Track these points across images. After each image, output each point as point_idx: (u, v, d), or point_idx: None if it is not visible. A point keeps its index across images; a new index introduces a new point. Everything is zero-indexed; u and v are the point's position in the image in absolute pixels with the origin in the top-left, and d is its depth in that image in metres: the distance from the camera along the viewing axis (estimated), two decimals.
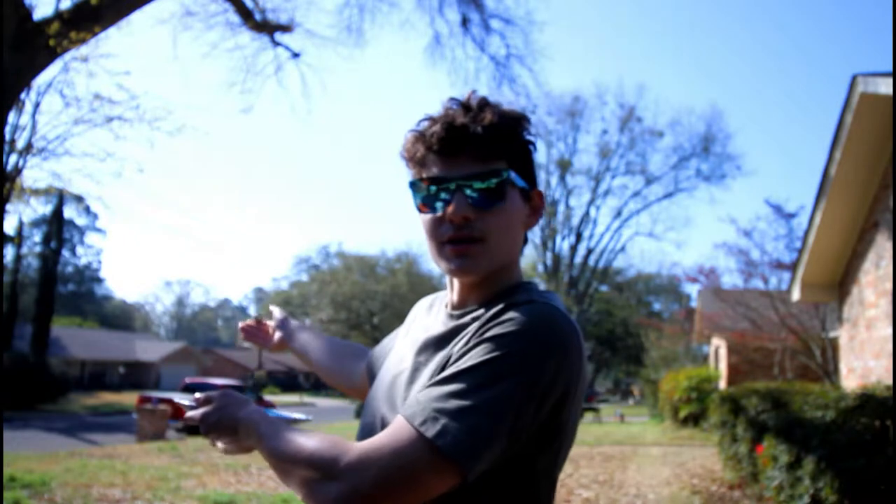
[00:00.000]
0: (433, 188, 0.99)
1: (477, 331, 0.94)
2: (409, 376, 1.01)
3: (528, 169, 1.03)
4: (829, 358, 10.58)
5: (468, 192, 0.97)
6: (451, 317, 1.05)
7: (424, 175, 1.00)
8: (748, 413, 6.59)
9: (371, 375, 1.28)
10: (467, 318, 1.01)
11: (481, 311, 1.00)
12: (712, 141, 38.18)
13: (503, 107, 1.02)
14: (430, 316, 1.15)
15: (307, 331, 1.54)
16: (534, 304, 0.93)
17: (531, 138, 1.04)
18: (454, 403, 0.84)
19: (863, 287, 6.99)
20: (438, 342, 1.02)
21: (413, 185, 1.02)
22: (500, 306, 0.96)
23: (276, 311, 1.59)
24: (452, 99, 1.02)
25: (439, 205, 0.99)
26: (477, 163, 0.97)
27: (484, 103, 1.01)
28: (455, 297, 1.06)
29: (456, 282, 1.05)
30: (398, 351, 1.14)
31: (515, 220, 1.01)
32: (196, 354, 48.53)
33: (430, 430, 0.82)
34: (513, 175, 0.99)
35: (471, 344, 0.91)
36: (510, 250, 1.02)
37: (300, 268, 56.06)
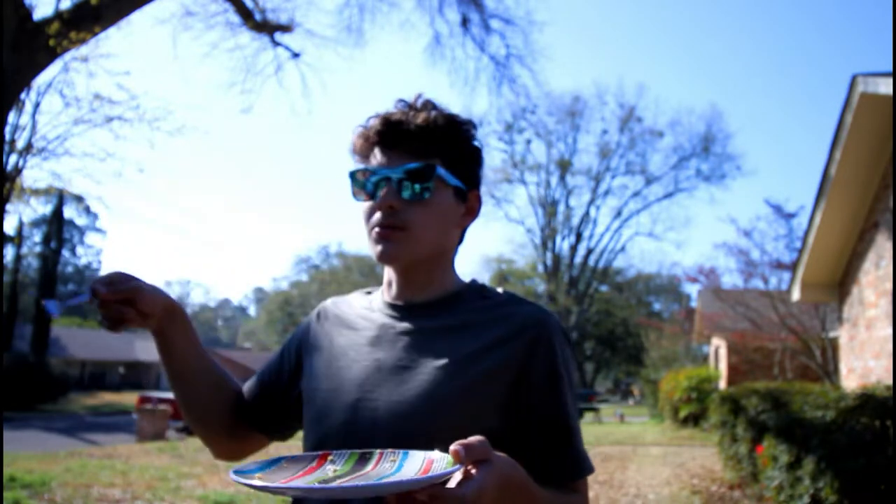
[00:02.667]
0: (367, 178, 1.06)
1: (534, 342, 1.03)
2: (418, 366, 1.04)
3: (466, 170, 1.09)
4: (829, 358, 10.58)
5: (396, 182, 1.03)
6: (440, 308, 1.09)
7: (358, 166, 1.08)
8: (748, 413, 6.59)
9: (270, 391, 1.21)
10: (476, 314, 1.07)
11: (481, 304, 1.09)
12: (712, 141, 38.19)
13: (448, 111, 1.08)
14: (371, 312, 1.14)
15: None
16: (548, 314, 1.07)
17: (475, 143, 1.10)
18: (579, 438, 1.04)
19: (863, 287, 6.99)
20: (444, 333, 1.06)
21: (352, 175, 1.08)
22: (518, 307, 1.07)
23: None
24: (400, 100, 1.10)
25: (371, 193, 1.06)
26: (411, 157, 1.04)
27: (427, 104, 1.08)
28: (395, 285, 1.12)
29: (392, 271, 1.12)
30: (357, 349, 1.09)
31: (444, 215, 1.07)
32: None
33: (589, 468, 1.04)
34: (442, 172, 1.04)
35: (542, 363, 1.02)
36: (437, 243, 1.08)
37: (300, 268, 56.15)
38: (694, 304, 23.52)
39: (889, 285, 6.19)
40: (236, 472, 0.79)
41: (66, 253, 50.25)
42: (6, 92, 6.51)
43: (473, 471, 0.76)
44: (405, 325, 1.08)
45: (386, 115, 1.06)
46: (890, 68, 5.66)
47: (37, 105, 10.13)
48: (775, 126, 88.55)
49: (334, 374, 1.09)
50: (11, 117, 9.62)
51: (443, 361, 1.02)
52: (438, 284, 1.11)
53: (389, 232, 1.04)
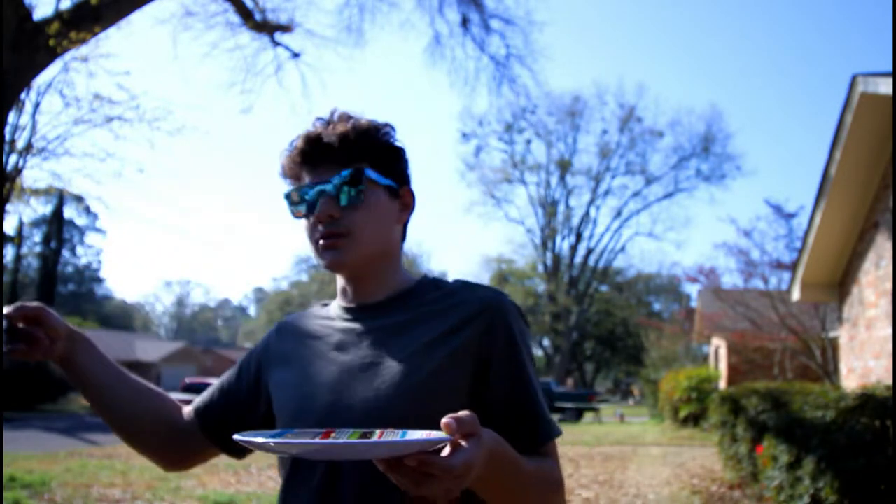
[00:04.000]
0: (301, 195, 1.10)
1: (490, 321, 1.07)
2: (384, 361, 1.07)
3: (393, 169, 1.13)
4: (829, 358, 10.58)
5: (329, 192, 1.07)
6: (396, 305, 1.13)
7: (290, 186, 1.13)
8: (748, 413, 6.59)
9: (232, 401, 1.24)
10: (432, 305, 1.12)
11: (436, 294, 1.13)
12: (712, 141, 38.20)
13: (363, 119, 1.13)
14: (330, 321, 1.18)
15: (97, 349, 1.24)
16: (501, 294, 1.12)
17: (394, 142, 1.15)
18: (543, 405, 1.08)
19: (863, 287, 6.99)
20: (403, 327, 1.10)
21: (287, 196, 1.12)
22: (471, 292, 1.11)
23: (38, 307, 1.13)
24: (318, 118, 1.14)
25: (309, 209, 1.09)
26: (339, 168, 1.08)
27: (342, 116, 1.13)
28: (349, 290, 1.16)
29: (342, 278, 1.16)
30: (322, 357, 1.13)
31: (382, 214, 1.11)
32: (196, 354, 48.53)
33: (556, 430, 1.09)
34: (371, 173, 1.09)
35: (501, 342, 1.07)
36: (381, 241, 1.12)
37: (300, 268, 56.18)
38: (694, 304, 23.53)
39: (889, 285, 6.19)
40: (240, 435, 0.83)
41: (66, 253, 50.27)
42: (6, 92, 6.51)
43: (463, 443, 0.78)
44: (364, 326, 1.12)
45: (307, 134, 1.10)
46: (890, 68, 5.66)
47: (37, 105, 10.13)
48: (775, 126, 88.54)
49: (303, 383, 1.11)
50: (11, 117, 9.62)
51: (408, 352, 1.06)
52: (389, 283, 1.15)
53: (334, 241, 1.08)
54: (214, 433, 1.23)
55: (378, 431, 0.87)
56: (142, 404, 1.22)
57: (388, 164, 1.13)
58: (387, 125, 1.15)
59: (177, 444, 1.25)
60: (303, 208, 1.10)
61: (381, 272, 1.14)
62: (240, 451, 1.22)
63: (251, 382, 1.23)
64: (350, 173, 1.07)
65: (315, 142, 1.09)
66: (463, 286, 1.14)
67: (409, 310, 1.12)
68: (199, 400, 1.28)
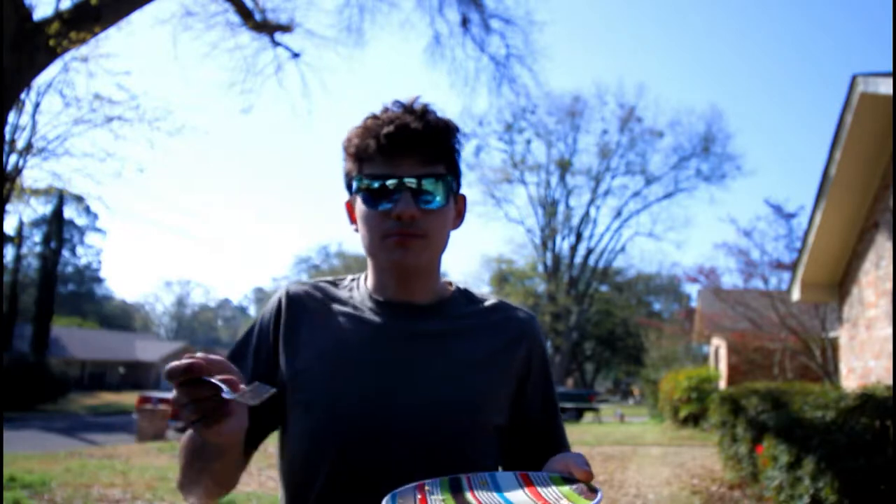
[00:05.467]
0: (381, 184, 1.05)
1: (530, 344, 1.15)
2: (433, 368, 1.07)
3: (458, 174, 1.12)
4: (829, 358, 10.58)
5: (417, 193, 1.04)
6: (435, 312, 1.12)
7: (367, 170, 1.06)
8: (748, 413, 6.59)
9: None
10: (471, 319, 1.14)
11: (474, 308, 1.16)
12: (712, 141, 38.15)
13: (444, 116, 1.09)
14: (363, 311, 1.11)
15: None
16: (534, 318, 1.18)
17: (460, 146, 1.12)
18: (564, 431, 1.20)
19: (863, 287, 6.99)
20: (447, 337, 1.10)
21: (360, 178, 1.06)
22: (510, 312, 1.17)
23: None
24: (397, 101, 1.09)
25: (386, 202, 1.05)
26: (422, 165, 1.05)
27: (428, 109, 1.08)
28: (392, 288, 1.12)
29: (391, 274, 1.11)
30: (359, 346, 1.06)
31: (448, 220, 1.11)
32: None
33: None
34: (452, 181, 1.09)
35: (537, 359, 1.16)
36: (442, 248, 1.11)
37: (300, 268, 56.12)
38: (694, 304, 23.53)
39: (889, 285, 6.19)
40: None
41: (66, 253, 50.27)
42: (6, 92, 6.51)
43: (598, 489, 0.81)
44: (406, 328, 1.09)
45: (401, 121, 1.05)
46: (890, 68, 5.66)
47: (37, 105, 10.13)
48: (775, 126, 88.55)
49: (336, 377, 1.04)
50: (11, 117, 9.61)
51: (458, 364, 1.07)
52: (433, 287, 1.14)
53: (409, 240, 1.05)
54: (254, 435, 1.09)
55: (464, 477, 0.85)
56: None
57: (457, 169, 1.12)
58: (458, 127, 1.10)
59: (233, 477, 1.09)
60: (378, 199, 1.05)
61: (430, 276, 1.13)
62: (256, 447, 1.13)
63: (266, 366, 1.10)
64: (438, 177, 1.06)
65: (410, 132, 1.04)
66: (499, 305, 1.17)
67: (448, 319, 1.12)
68: None
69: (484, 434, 1.07)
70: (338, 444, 1.02)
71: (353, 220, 1.15)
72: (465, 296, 1.17)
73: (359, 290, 1.16)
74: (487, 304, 1.17)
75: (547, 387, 1.17)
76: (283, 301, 1.14)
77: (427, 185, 1.05)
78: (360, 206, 1.08)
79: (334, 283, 1.19)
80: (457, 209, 1.14)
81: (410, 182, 1.04)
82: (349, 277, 1.21)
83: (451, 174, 1.09)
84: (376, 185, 1.05)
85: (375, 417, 1.02)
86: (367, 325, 1.10)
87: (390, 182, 1.04)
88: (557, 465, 0.89)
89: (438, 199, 1.06)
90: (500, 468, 1.11)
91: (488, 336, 1.12)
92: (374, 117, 1.07)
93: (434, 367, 1.06)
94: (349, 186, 1.12)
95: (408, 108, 1.07)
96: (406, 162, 1.05)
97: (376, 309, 1.11)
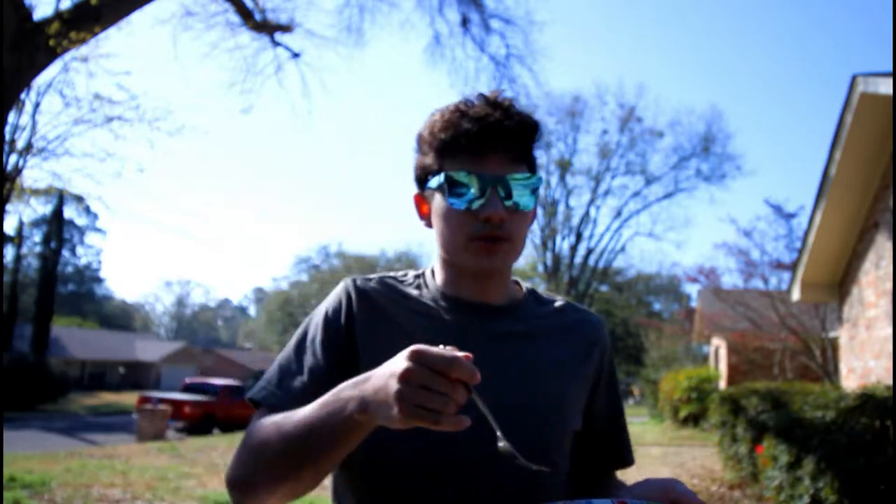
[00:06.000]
0: (467, 183, 0.99)
1: (603, 348, 1.15)
2: (514, 370, 1.04)
3: (537, 171, 1.09)
4: (829, 358, 10.58)
5: (505, 193, 0.99)
6: (510, 313, 1.09)
7: (450, 166, 1.01)
8: (748, 413, 6.59)
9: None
10: (545, 321, 1.12)
11: (545, 310, 1.13)
12: (712, 141, 38.13)
13: (527, 113, 1.03)
14: (437, 310, 1.06)
15: None
16: (603, 322, 1.18)
17: (540, 143, 1.08)
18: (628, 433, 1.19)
19: (863, 287, 6.99)
20: (523, 339, 1.07)
21: (444, 175, 1.00)
22: (582, 315, 1.16)
23: None
24: (481, 95, 1.04)
25: (472, 200, 0.99)
26: (510, 164, 1.00)
27: (512, 105, 1.02)
28: (468, 288, 1.07)
29: (469, 275, 1.05)
30: (424, 335, 0.94)
31: (531, 221, 1.08)
32: (196, 354, 48.51)
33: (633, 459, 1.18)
34: (539, 180, 1.04)
35: (607, 364, 1.16)
36: (522, 250, 1.07)
37: (300, 268, 56.09)
38: (694, 304, 23.52)
39: (889, 285, 6.19)
40: None
41: (66, 253, 50.25)
42: (6, 92, 6.51)
43: None
44: (483, 329, 1.05)
45: (486, 115, 0.99)
46: (890, 68, 5.66)
47: (37, 105, 10.15)
48: (775, 126, 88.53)
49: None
50: (11, 117, 9.62)
51: (537, 366, 1.05)
52: (507, 288, 1.11)
53: (496, 245, 1.00)
54: None
55: None
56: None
57: (536, 167, 1.08)
58: (539, 121, 1.04)
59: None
60: (464, 198, 0.99)
61: (506, 277, 1.10)
62: None
63: (338, 360, 1.02)
64: (529, 178, 1.01)
65: (494, 128, 0.98)
66: (568, 307, 1.16)
67: (523, 320, 1.09)
68: (287, 398, 0.99)
69: (564, 438, 1.06)
70: (418, 446, 0.96)
71: (423, 215, 1.09)
72: (534, 296, 1.15)
73: (427, 287, 1.10)
74: (556, 305, 1.15)
75: (613, 392, 1.16)
76: (354, 295, 1.06)
77: (516, 185, 0.99)
78: (439, 203, 1.02)
79: (399, 280, 1.13)
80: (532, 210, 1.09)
81: (499, 181, 0.98)
82: (411, 274, 1.14)
83: (533, 172, 1.05)
84: (464, 182, 0.99)
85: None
86: (443, 325, 1.04)
87: (478, 181, 0.98)
88: (655, 493, 0.86)
89: (527, 200, 1.01)
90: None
91: (563, 339, 1.10)
92: (458, 111, 1.01)
93: (515, 369, 1.03)
94: (421, 180, 1.06)
95: (493, 103, 1.01)
96: (493, 160, 0.99)
97: (451, 308, 1.06)
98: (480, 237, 0.99)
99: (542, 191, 1.06)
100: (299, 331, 1.08)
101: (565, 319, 1.13)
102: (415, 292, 1.09)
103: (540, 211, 40.50)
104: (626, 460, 1.16)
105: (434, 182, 1.02)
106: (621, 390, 1.24)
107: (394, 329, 1.03)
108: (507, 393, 1.00)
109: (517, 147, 1.01)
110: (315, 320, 1.07)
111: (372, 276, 1.12)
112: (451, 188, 1.00)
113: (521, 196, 1.00)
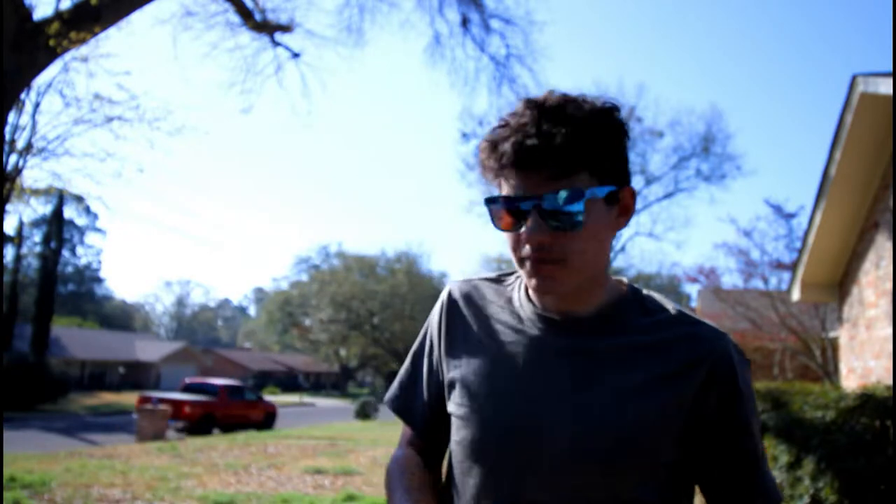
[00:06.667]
0: (507, 207, 0.95)
1: (712, 370, 0.98)
2: (590, 393, 0.98)
3: (616, 167, 0.97)
4: (829, 358, 10.58)
5: (542, 214, 0.92)
6: (602, 324, 1.02)
7: (499, 189, 0.98)
8: None
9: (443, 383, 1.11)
10: (645, 335, 1.01)
11: (648, 321, 1.02)
12: (712, 141, 38.11)
13: (586, 103, 0.94)
14: (519, 321, 1.06)
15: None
16: (725, 336, 1.01)
17: (618, 135, 0.96)
18: (765, 464, 1.01)
19: (863, 287, 6.99)
20: (611, 356, 0.99)
21: (487, 202, 0.98)
22: (692, 328, 1.01)
23: None
24: (527, 100, 0.96)
25: (514, 224, 0.96)
26: (555, 179, 0.92)
27: (560, 109, 0.93)
28: (549, 300, 1.03)
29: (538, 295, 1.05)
30: (517, 361, 1.02)
31: (599, 233, 0.96)
32: (196, 354, 48.54)
33: (778, 497, 1.00)
34: (591, 191, 0.93)
35: (722, 386, 0.98)
36: (596, 263, 0.98)
37: (300, 268, 56.09)
38: (694, 304, 23.51)
39: (889, 285, 6.19)
40: None
41: (66, 253, 50.30)
42: (6, 92, 6.51)
43: None
44: (568, 344, 1.00)
45: (518, 137, 0.92)
46: (890, 68, 5.66)
47: (37, 105, 10.15)
48: (775, 126, 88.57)
49: (494, 393, 1.02)
50: (11, 117, 9.62)
51: (620, 389, 0.96)
52: (597, 296, 1.02)
53: (548, 268, 0.94)
54: (448, 434, 1.10)
55: None
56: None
57: (612, 164, 0.96)
58: (613, 108, 0.96)
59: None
60: (507, 220, 0.96)
61: (588, 290, 1.01)
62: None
63: (440, 372, 1.12)
64: (568, 196, 0.91)
65: (530, 149, 0.91)
66: (680, 318, 1.02)
67: (617, 334, 1.00)
68: (415, 417, 1.15)
69: (639, 470, 0.95)
70: (486, 462, 1.00)
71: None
72: (639, 303, 1.04)
73: (520, 294, 1.08)
74: (664, 316, 1.02)
75: (736, 429, 0.98)
76: (446, 303, 1.12)
77: (556, 204, 0.91)
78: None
79: (498, 280, 1.12)
80: (623, 206, 1.00)
81: (532, 204, 0.92)
82: (514, 275, 1.13)
83: (598, 174, 0.94)
84: (503, 207, 0.95)
85: (529, 440, 0.97)
86: (525, 338, 1.03)
87: (517, 205, 0.94)
88: None
89: (572, 218, 0.92)
90: None
91: (660, 356, 0.98)
92: (503, 125, 0.95)
93: (590, 390, 0.97)
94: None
95: (538, 110, 0.93)
96: (535, 176, 0.92)
97: (536, 320, 1.03)
98: (528, 258, 0.95)
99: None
100: (418, 339, 1.19)
101: (668, 333, 1.00)
102: (506, 298, 1.09)
103: None
104: (760, 498, 0.99)
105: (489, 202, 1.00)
106: None
107: (476, 337, 1.07)
108: (574, 415, 0.96)
109: (560, 160, 0.91)
110: (424, 330, 1.17)
111: (472, 279, 1.15)
112: (493, 213, 0.98)
113: (565, 215, 0.92)
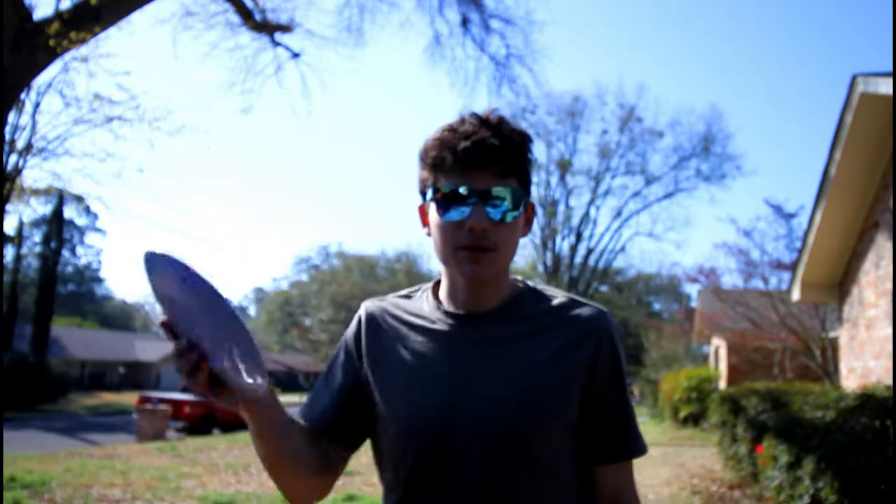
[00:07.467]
0: (454, 196, 1.09)
1: (598, 340, 1.14)
2: (501, 371, 1.11)
3: (530, 181, 1.17)
4: (829, 358, 10.58)
5: (489, 206, 1.08)
6: (503, 315, 1.16)
7: (443, 182, 1.10)
8: (748, 413, 6.59)
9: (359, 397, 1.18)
10: (540, 319, 1.16)
11: (542, 307, 1.17)
12: (712, 141, 38.11)
13: (518, 128, 1.13)
14: (431, 323, 1.18)
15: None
16: (606, 313, 1.17)
17: (532, 156, 1.18)
18: (635, 420, 1.20)
19: (863, 287, 6.99)
20: (514, 340, 1.14)
21: (436, 190, 1.11)
22: (579, 309, 1.17)
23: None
24: (473, 114, 1.12)
25: (458, 213, 1.09)
26: (496, 178, 1.08)
27: (502, 122, 1.11)
28: (462, 295, 1.16)
29: (462, 282, 1.16)
30: (431, 359, 1.14)
31: (518, 231, 1.14)
32: None
33: (644, 447, 1.19)
34: (524, 192, 1.12)
35: (607, 354, 1.14)
36: (511, 257, 1.15)
37: (300, 268, 56.06)
38: (694, 304, 23.53)
39: (889, 285, 6.19)
40: None
41: (66, 253, 50.27)
42: (6, 92, 6.51)
43: None
44: (473, 335, 1.14)
45: (476, 136, 1.08)
46: (890, 68, 5.66)
47: (37, 105, 10.15)
48: (775, 126, 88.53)
49: (412, 390, 1.13)
50: (11, 117, 9.62)
51: (522, 365, 1.10)
52: (500, 292, 1.17)
53: (481, 254, 1.08)
54: (347, 439, 1.20)
55: None
56: (302, 436, 1.15)
57: (529, 179, 1.16)
58: (531, 137, 1.16)
59: (321, 468, 1.17)
60: (452, 210, 1.09)
61: (499, 282, 1.16)
62: (356, 446, 1.22)
63: (354, 378, 1.20)
64: (514, 193, 1.09)
65: (486, 148, 1.08)
66: (569, 303, 1.18)
67: (516, 322, 1.15)
68: (313, 413, 1.20)
69: (549, 431, 1.10)
70: (415, 452, 1.11)
71: (425, 224, 1.19)
72: (534, 295, 1.20)
73: (428, 301, 1.21)
74: (556, 302, 1.18)
75: (616, 384, 1.16)
76: (363, 320, 1.24)
77: (499, 198, 1.08)
78: (433, 214, 1.13)
79: (408, 297, 1.26)
80: (526, 217, 1.18)
81: (483, 194, 1.07)
82: (420, 289, 1.26)
83: (522, 186, 1.12)
84: (450, 196, 1.09)
85: (446, 425, 1.09)
86: (437, 336, 1.16)
87: (464, 194, 1.08)
88: None
89: (509, 211, 1.09)
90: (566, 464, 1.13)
91: (555, 334, 1.14)
92: (451, 129, 1.11)
93: (499, 369, 1.10)
94: (423, 193, 1.16)
95: (484, 121, 1.11)
96: (480, 175, 1.08)
97: (445, 319, 1.17)
98: (466, 247, 1.08)
99: (537, 198, 1.14)
100: (332, 355, 1.27)
101: (561, 315, 1.16)
102: (416, 308, 1.22)
103: (540, 211, 40.53)
104: (629, 450, 1.17)
105: (428, 195, 1.14)
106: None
107: (394, 345, 1.18)
108: (487, 392, 1.09)
109: (504, 163, 1.09)
110: (339, 344, 1.26)
111: (386, 297, 1.28)
112: (440, 201, 1.10)
113: (504, 207, 1.08)
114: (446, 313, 1.17)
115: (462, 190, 1.08)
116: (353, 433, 1.20)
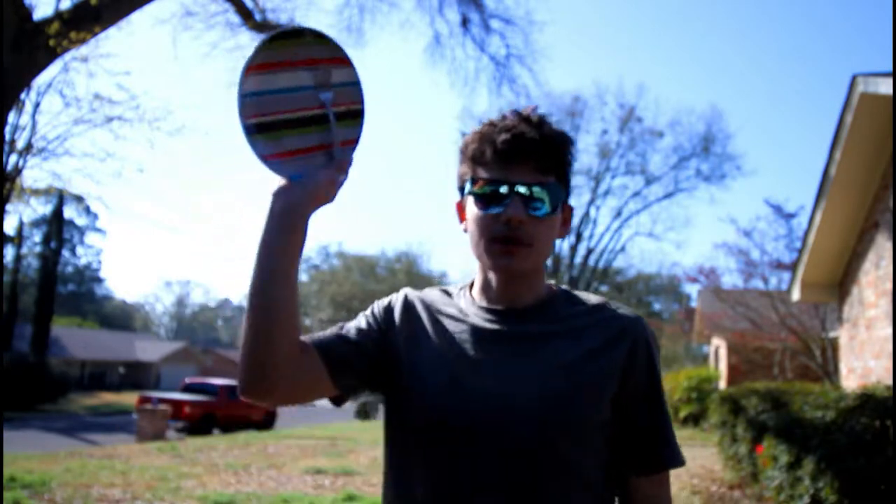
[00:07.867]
0: (493, 188, 1.09)
1: (633, 342, 1.15)
2: (534, 367, 1.11)
3: (569, 183, 1.17)
4: (829, 358, 10.58)
5: (526, 199, 1.09)
6: (537, 314, 1.16)
7: (482, 174, 1.11)
8: (748, 413, 6.59)
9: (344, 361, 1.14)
10: (576, 320, 1.16)
11: (577, 309, 1.17)
12: (712, 141, 38.09)
13: (555, 125, 1.15)
14: (466, 316, 1.17)
15: None
16: (642, 319, 1.18)
17: (573, 158, 1.18)
18: (672, 428, 1.19)
19: (863, 287, 6.99)
20: (550, 338, 1.14)
21: (473, 181, 1.12)
22: (615, 312, 1.17)
23: None
24: (514, 110, 1.14)
25: (495, 205, 1.09)
26: (536, 173, 1.10)
27: (543, 120, 1.13)
28: (496, 290, 1.17)
29: (495, 277, 1.16)
30: (465, 348, 1.13)
31: (554, 229, 1.14)
32: (196, 354, 48.51)
33: (681, 460, 1.18)
34: (561, 190, 1.13)
35: (643, 359, 1.15)
36: (546, 254, 1.15)
37: (299, 267, 56.11)
38: (694, 304, 23.53)
39: (889, 285, 6.19)
40: None
41: (66, 253, 50.23)
42: (6, 92, 6.51)
43: None
44: (510, 330, 1.14)
45: (517, 130, 1.09)
46: (890, 68, 5.66)
47: (37, 105, 10.17)
48: (775, 126, 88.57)
49: (453, 378, 1.12)
50: (11, 117, 9.63)
51: (557, 362, 1.10)
52: (536, 290, 1.18)
53: (516, 248, 1.09)
54: (336, 365, 1.13)
55: None
56: (293, 303, 1.08)
57: (569, 180, 1.17)
58: (572, 140, 1.17)
59: (295, 363, 1.08)
60: (489, 202, 1.10)
61: (534, 280, 1.17)
62: (344, 394, 1.17)
63: (376, 340, 1.18)
64: (552, 189, 1.10)
65: (527, 142, 1.09)
66: (602, 305, 1.18)
67: (551, 321, 1.15)
68: (315, 338, 1.15)
69: (577, 431, 1.09)
70: (440, 439, 1.10)
71: (462, 220, 1.20)
72: (567, 298, 1.20)
73: (465, 296, 1.22)
74: (590, 305, 1.19)
75: (651, 387, 1.16)
76: (401, 300, 1.23)
77: (537, 192, 1.09)
78: (471, 207, 1.14)
79: (446, 293, 1.26)
80: (563, 218, 1.18)
81: (521, 188, 1.08)
82: (458, 286, 1.27)
83: (561, 184, 1.13)
84: (488, 189, 1.10)
85: (469, 413, 1.08)
86: (470, 328, 1.15)
87: (503, 187, 1.09)
88: None
89: (546, 207, 1.09)
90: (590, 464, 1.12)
91: (591, 335, 1.14)
92: (491, 124, 1.12)
93: (529, 366, 1.10)
94: (461, 188, 1.17)
95: (524, 117, 1.12)
96: (519, 169, 1.09)
97: (480, 313, 1.17)
98: (500, 239, 1.09)
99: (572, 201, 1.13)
100: (352, 321, 1.24)
101: (594, 317, 1.16)
102: (453, 301, 1.22)
103: None
104: (665, 460, 1.15)
105: (466, 188, 1.14)
106: None
107: (429, 331, 1.18)
108: (514, 388, 1.09)
109: (543, 158, 1.10)
110: (372, 305, 1.25)
111: (427, 288, 1.28)
112: (478, 194, 1.11)
113: (541, 202, 1.09)
114: (481, 308, 1.17)
115: (501, 184, 1.08)
116: (345, 367, 1.13)
